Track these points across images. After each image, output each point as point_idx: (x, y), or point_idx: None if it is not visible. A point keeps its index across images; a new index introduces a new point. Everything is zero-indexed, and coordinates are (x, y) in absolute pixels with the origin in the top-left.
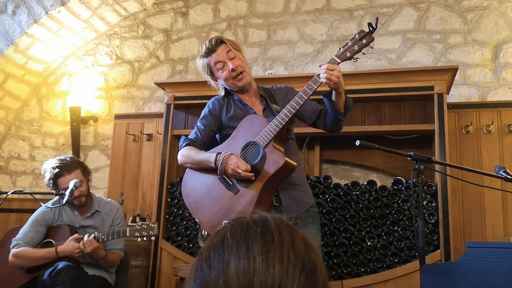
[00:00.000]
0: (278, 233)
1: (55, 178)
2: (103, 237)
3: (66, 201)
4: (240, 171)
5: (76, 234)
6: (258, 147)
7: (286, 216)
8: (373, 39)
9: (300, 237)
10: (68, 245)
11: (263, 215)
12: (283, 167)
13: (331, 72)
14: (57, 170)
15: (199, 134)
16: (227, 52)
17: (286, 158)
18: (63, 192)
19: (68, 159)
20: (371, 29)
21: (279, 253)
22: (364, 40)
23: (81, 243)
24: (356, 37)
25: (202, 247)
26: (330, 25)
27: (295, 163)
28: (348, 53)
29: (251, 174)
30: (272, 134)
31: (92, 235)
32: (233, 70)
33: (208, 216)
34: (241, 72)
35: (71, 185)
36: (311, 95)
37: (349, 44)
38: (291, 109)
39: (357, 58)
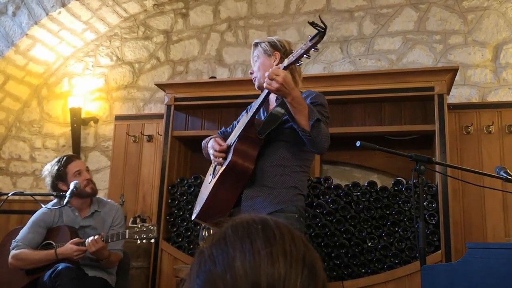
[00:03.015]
0: (278, 230)
1: (65, 164)
2: (102, 239)
3: (67, 202)
4: (213, 150)
5: (77, 239)
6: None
7: None
8: (319, 41)
9: (298, 234)
10: (68, 247)
11: (261, 215)
12: (230, 167)
13: (273, 76)
14: (65, 157)
15: None
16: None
17: (234, 159)
18: (64, 193)
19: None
20: (321, 29)
21: (282, 247)
22: (311, 42)
23: (86, 243)
24: (308, 40)
25: (201, 247)
26: (330, 26)
27: (248, 167)
28: (293, 57)
29: (221, 154)
30: (236, 135)
31: (97, 236)
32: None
33: (197, 206)
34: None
35: (71, 186)
36: (264, 101)
37: (300, 47)
38: (250, 114)
39: (301, 61)
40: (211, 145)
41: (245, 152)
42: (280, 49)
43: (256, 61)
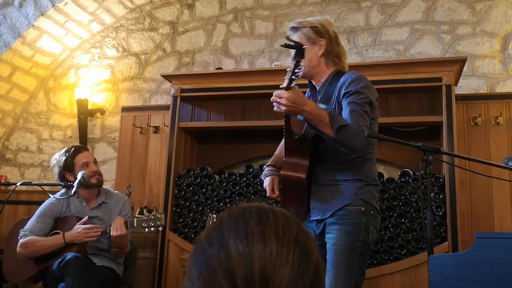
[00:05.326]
0: (272, 212)
1: (73, 155)
2: (111, 227)
3: (74, 192)
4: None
5: (83, 219)
6: None
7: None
8: (301, 58)
9: (293, 218)
10: (75, 228)
11: (258, 203)
12: (282, 179)
13: (278, 100)
14: (73, 148)
15: None
16: None
17: (283, 172)
18: (71, 183)
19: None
20: (296, 48)
21: (274, 226)
22: (294, 61)
23: (113, 224)
24: (291, 60)
25: (201, 234)
26: (337, 16)
27: (299, 176)
28: (287, 79)
29: (275, 195)
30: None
31: (122, 218)
32: None
33: None
34: None
35: (79, 176)
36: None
37: (288, 69)
38: (284, 126)
39: (295, 78)
40: (265, 185)
41: (294, 163)
42: (324, 35)
43: None
